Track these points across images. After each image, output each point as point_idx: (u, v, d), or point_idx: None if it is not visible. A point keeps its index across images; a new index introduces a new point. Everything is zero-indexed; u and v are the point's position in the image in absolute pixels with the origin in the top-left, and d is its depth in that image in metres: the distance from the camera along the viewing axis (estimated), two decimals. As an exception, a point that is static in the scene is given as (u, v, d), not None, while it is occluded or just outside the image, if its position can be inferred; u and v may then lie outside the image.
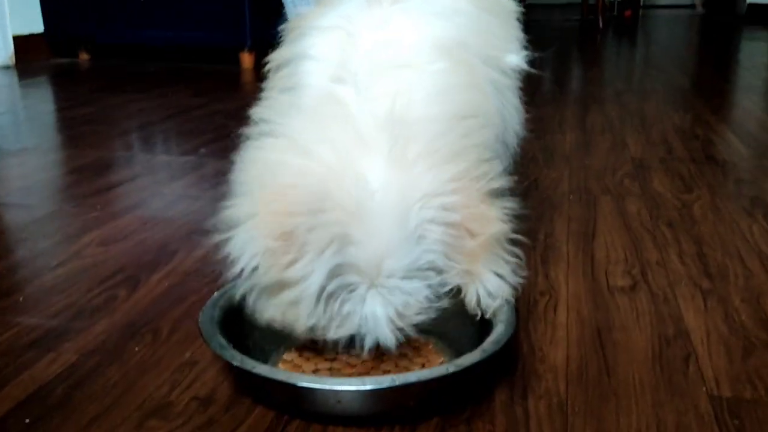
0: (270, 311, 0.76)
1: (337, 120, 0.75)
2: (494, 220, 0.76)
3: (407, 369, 0.82)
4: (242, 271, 0.73)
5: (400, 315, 0.74)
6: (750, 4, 5.36)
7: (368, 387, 0.68)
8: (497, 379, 0.83)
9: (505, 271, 0.78)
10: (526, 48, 0.98)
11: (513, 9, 1.02)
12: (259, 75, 3.50)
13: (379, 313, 0.73)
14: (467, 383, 0.80)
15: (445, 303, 0.76)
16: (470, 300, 0.77)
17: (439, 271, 0.75)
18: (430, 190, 0.73)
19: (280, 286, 0.73)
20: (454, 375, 0.70)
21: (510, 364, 0.86)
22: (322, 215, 0.71)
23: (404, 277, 0.73)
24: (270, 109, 0.83)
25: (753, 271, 1.11)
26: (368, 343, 0.75)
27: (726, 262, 1.15)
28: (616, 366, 0.86)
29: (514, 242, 0.79)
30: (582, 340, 0.92)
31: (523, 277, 0.80)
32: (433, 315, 0.76)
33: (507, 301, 0.84)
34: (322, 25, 0.86)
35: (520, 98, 0.97)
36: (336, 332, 0.75)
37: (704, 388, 0.81)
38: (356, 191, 0.71)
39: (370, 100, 0.77)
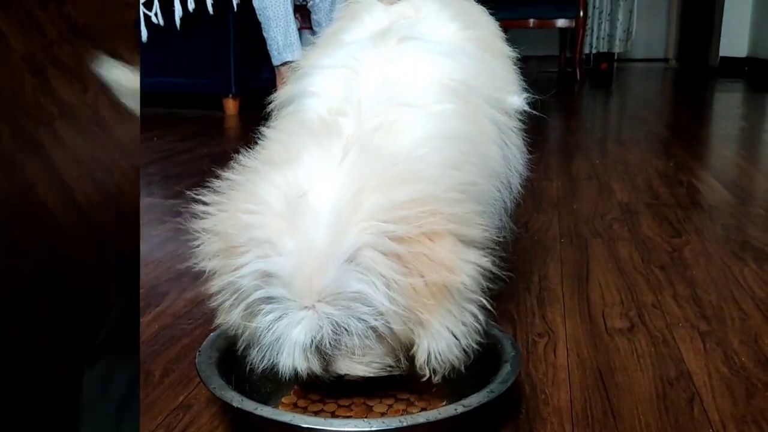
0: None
1: (320, 139, 0.73)
2: (451, 267, 0.67)
3: (407, 412, 0.80)
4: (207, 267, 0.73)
5: (322, 350, 0.69)
6: (723, 57, 5.51)
7: (375, 428, 0.66)
8: (501, 420, 0.81)
9: (461, 333, 0.70)
10: (526, 90, 0.99)
11: (509, 53, 1.04)
12: (244, 120, 3.45)
13: (297, 337, 0.67)
14: (475, 424, 0.78)
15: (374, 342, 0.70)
16: (421, 356, 0.70)
17: (371, 306, 0.67)
18: (373, 212, 0.66)
19: (218, 287, 0.72)
20: (463, 415, 0.68)
21: (513, 406, 0.84)
22: (247, 216, 0.69)
23: (332, 303, 0.66)
24: (272, 128, 0.84)
25: (748, 313, 1.11)
26: (282, 366, 0.69)
27: (721, 304, 1.15)
28: (620, 408, 0.84)
29: (476, 302, 0.71)
30: (584, 382, 0.90)
31: (479, 343, 0.72)
32: (364, 355, 0.71)
33: (511, 342, 0.83)
34: (326, 64, 0.86)
35: (524, 140, 0.97)
36: (253, 348, 0.71)
37: (710, 431, 0.80)
38: (288, 197, 0.67)
39: (367, 131, 0.75)
